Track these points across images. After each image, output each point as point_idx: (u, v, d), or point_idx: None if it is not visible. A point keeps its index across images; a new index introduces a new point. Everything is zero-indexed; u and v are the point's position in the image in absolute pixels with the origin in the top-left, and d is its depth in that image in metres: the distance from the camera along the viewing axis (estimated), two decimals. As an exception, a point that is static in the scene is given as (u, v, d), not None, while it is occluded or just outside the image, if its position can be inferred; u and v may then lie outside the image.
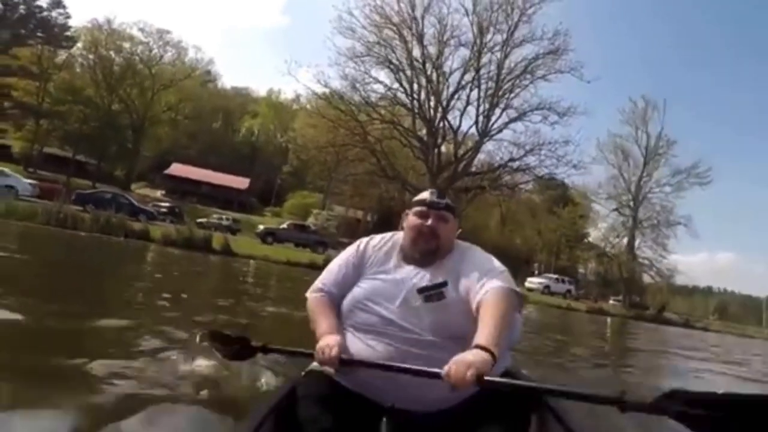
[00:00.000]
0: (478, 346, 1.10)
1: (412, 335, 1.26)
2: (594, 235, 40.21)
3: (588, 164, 24.66)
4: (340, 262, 1.49)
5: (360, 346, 1.30)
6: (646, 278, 36.30)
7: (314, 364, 1.31)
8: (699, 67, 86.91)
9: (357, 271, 1.44)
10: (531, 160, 21.38)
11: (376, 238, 1.52)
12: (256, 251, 16.31)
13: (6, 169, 18.04)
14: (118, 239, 13.15)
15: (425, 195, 1.46)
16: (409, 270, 1.38)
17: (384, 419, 1.21)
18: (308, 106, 47.36)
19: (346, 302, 1.39)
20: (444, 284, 1.33)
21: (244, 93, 56.36)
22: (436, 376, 1.09)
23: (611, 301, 33.75)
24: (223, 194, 44.41)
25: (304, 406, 1.21)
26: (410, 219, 1.44)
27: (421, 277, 1.35)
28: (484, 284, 1.28)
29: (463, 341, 1.18)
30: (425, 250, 1.39)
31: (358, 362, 1.23)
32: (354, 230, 38.88)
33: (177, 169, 44.24)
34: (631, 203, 32.01)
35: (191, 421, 1.73)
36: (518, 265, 37.38)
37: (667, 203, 32.04)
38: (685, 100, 77.17)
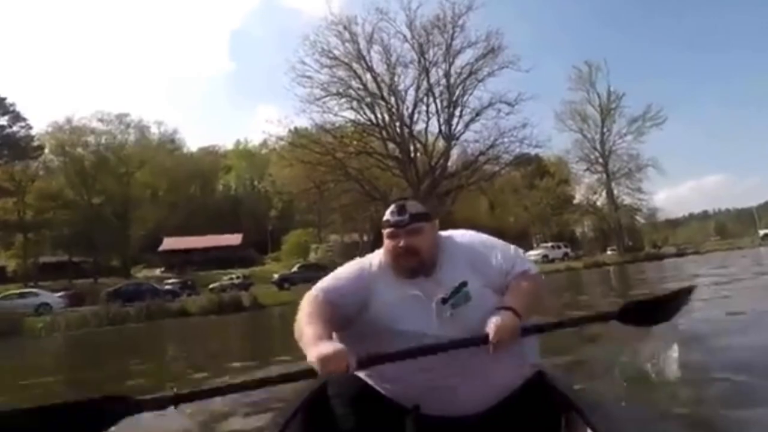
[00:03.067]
0: (499, 308, 1.24)
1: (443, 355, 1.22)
2: (578, 196, 43.36)
3: (549, 140, 27.55)
4: (348, 273, 1.40)
5: (400, 371, 1.24)
6: (639, 223, 39.62)
7: None
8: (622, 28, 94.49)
9: (366, 291, 1.35)
10: (497, 150, 24.09)
11: (374, 260, 1.42)
12: (280, 299, 18.50)
13: (36, 290, 19.95)
14: (162, 320, 15.29)
15: (387, 215, 1.37)
16: (417, 283, 1.32)
17: (408, 421, 1.18)
18: (277, 148, 49.87)
19: (370, 327, 1.31)
20: (464, 284, 1.30)
21: (212, 151, 58.60)
22: (479, 341, 1.16)
23: (608, 252, 36.55)
24: (220, 255, 46.15)
25: (331, 405, 1.24)
26: (384, 241, 1.38)
27: (435, 286, 1.31)
28: (513, 266, 1.36)
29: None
30: (410, 268, 1.32)
31: (379, 358, 1.17)
32: (353, 253, 41.12)
33: (169, 243, 45.99)
34: (600, 159, 35.11)
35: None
36: (516, 243, 39.77)
37: (632, 151, 35.24)
38: (619, 58, 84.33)
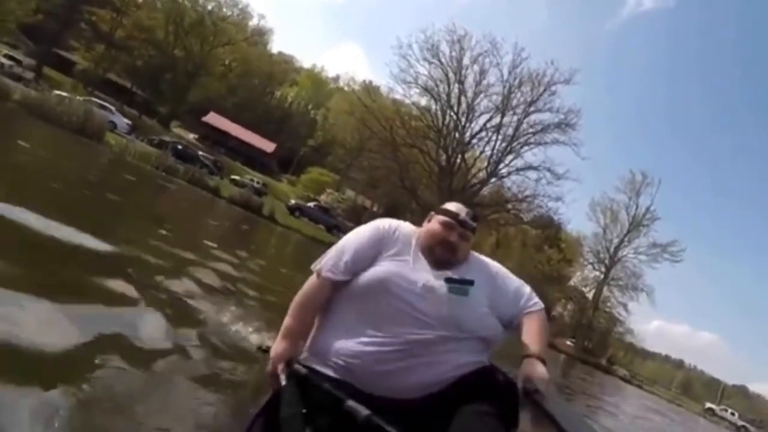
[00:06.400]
0: (539, 358, 1.35)
1: (426, 322, 1.31)
2: (573, 280, 46.18)
3: (569, 222, 30.36)
4: (357, 243, 1.45)
5: (364, 329, 1.32)
6: (614, 335, 42.53)
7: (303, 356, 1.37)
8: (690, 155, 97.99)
9: (375, 251, 1.43)
10: (526, 205, 27.07)
11: (393, 223, 1.52)
12: (290, 223, 22.06)
13: (111, 107, 23.51)
14: (198, 189, 18.82)
15: (458, 209, 1.51)
16: (436, 271, 1.40)
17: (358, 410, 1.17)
18: (346, 89, 52.84)
19: (363, 281, 1.38)
20: (471, 282, 1.39)
21: (288, 60, 61.58)
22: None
23: (567, 342, 39.65)
24: (249, 152, 49.60)
25: (285, 403, 1.23)
26: (434, 226, 1.48)
27: (445, 272, 1.39)
28: (528, 301, 1.48)
29: (468, 341, 1.34)
30: (439, 260, 1.43)
31: (314, 376, 1.25)
32: (360, 216, 44.39)
33: (213, 118, 49.52)
34: (606, 262, 37.84)
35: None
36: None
37: (637, 269, 37.88)
38: (676, 179, 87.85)
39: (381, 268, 1.40)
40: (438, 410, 1.24)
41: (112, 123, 22.09)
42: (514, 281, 1.53)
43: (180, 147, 24.61)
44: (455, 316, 1.34)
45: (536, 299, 1.53)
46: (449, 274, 1.41)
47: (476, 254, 1.56)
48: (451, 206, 1.55)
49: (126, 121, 23.56)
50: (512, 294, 1.49)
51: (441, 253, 1.44)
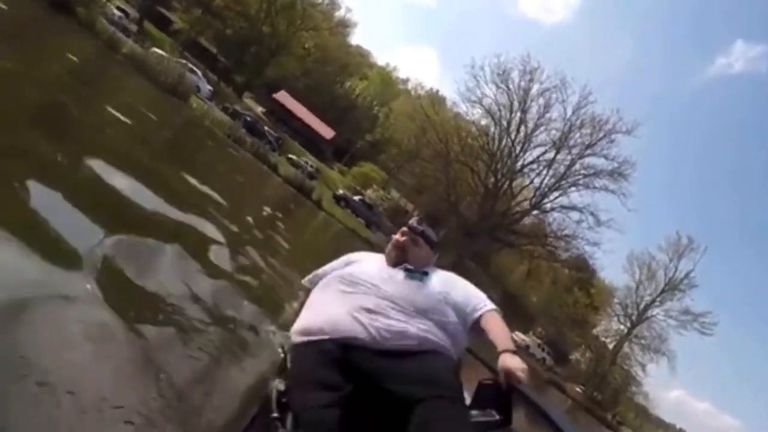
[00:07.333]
0: (512, 351, 1.50)
1: (389, 294, 1.58)
2: (597, 329, 45.39)
3: (602, 269, 30.23)
4: (331, 264, 1.91)
5: (336, 295, 1.62)
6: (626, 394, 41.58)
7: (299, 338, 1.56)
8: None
9: (344, 265, 1.85)
10: (560, 244, 27.33)
11: (363, 253, 1.97)
12: (335, 212, 23.50)
13: (198, 72, 25.77)
14: (258, 163, 20.51)
15: (412, 220, 1.96)
16: (390, 265, 1.79)
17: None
18: (412, 93, 53.93)
19: (335, 273, 1.78)
20: (426, 273, 1.71)
21: (364, 55, 63.61)
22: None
23: (577, 388, 39.18)
24: (309, 135, 51.58)
25: (292, 375, 1.48)
26: (396, 235, 1.90)
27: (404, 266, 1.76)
28: (481, 302, 1.69)
29: (424, 320, 1.53)
30: (395, 261, 1.79)
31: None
32: (400, 218, 45.59)
33: (283, 96, 51.97)
34: (634, 317, 37.16)
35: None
36: (522, 317, 43.29)
37: (664, 333, 36.98)
38: (723, 249, 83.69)
39: (349, 266, 1.81)
40: (392, 365, 1.42)
41: (197, 87, 24.28)
42: (470, 287, 1.79)
43: (250, 119, 26.57)
44: (410, 295, 1.60)
45: (489, 302, 1.73)
46: (407, 266, 1.75)
47: (440, 268, 1.85)
48: (412, 219, 2.01)
49: (209, 87, 25.74)
50: (467, 294, 1.73)
51: (394, 254, 1.82)
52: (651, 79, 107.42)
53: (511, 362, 1.46)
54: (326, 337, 1.48)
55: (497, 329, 1.61)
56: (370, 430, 1.34)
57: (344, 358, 1.43)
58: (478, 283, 1.82)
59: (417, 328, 1.50)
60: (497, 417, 1.44)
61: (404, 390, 1.34)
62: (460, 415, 1.31)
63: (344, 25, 53.67)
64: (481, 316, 1.66)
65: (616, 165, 26.01)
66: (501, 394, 1.44)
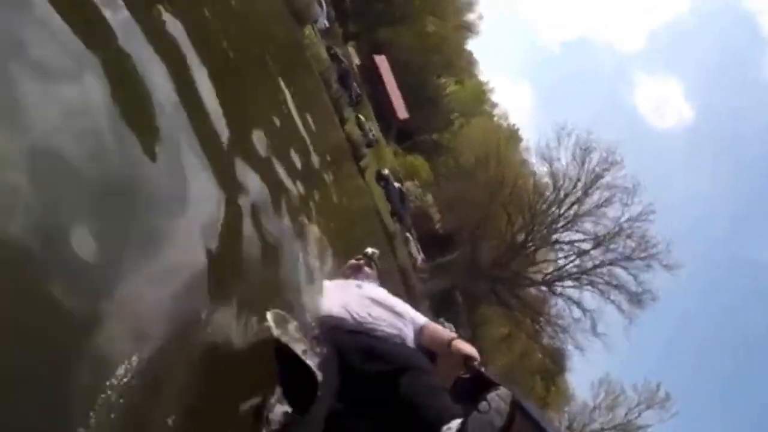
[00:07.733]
0: (459, 338, 2.06)
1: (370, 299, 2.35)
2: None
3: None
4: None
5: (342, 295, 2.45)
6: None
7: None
8: None
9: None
10: (548, 329, 27.48)
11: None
12: (372, 186, 24.12)
13: (324, 5, 26.42)
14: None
15: (373, 252, 3.12)
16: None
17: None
18: (491, 118, 53.60)
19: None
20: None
21: (472, 63, 63.46)
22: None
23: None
24: (385, 106, 51.93)
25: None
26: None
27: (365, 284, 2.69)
28: (415, 320, 2.27)
29: (386, 312, 2.25)
30: (351, 275, 2.91)
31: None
32: (421, 222, 45.82)
33: (381, 60, 52.31)
34: None
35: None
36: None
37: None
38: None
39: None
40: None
41: (316, 19, 24.99)
42: (407, 304, 2.46)
43: (344, 68, 27.25)
44: (360, 295, 2.45)
45: (422, 317, 2.35)
46: (367, 285, 2.66)
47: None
48: (372, 250, 3.25)
49: (326, 23, 26.43)
50: (406, 309, 2.36)
51: (350, 273, 2.98)
52: (718, 228, 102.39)
53: (465, 348, 1.88)
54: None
55: (436, 329, 2.20)
56: None
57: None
58: (456, 321, 2.52)
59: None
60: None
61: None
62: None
63: (469, 29, 53.77)
64: (424, 329, 2.24)
65: (639, 290, 25.96)
66: (476, 385, 1.59)
